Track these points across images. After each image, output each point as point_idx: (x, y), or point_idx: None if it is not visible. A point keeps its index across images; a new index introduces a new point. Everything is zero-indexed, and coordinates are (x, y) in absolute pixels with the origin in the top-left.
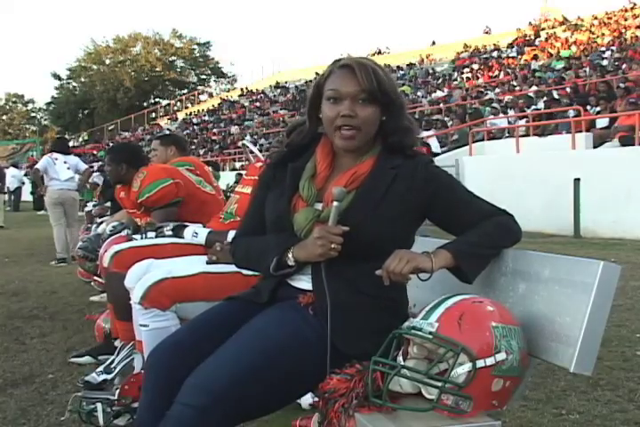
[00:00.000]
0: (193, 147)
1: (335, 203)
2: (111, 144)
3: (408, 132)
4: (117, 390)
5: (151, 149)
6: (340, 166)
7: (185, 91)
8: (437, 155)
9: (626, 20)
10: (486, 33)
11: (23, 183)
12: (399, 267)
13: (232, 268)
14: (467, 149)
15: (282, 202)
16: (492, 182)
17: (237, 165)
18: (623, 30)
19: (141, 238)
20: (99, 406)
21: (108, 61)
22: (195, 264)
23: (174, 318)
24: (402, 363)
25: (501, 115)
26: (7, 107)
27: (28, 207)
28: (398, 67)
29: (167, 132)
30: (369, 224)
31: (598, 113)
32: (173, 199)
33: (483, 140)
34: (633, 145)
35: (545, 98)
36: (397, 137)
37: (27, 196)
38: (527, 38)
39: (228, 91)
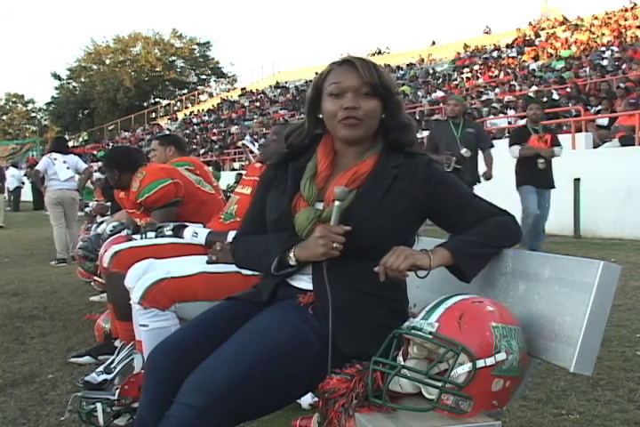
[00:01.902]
0: (193, 147)
1: (337, 202)
2: (111, 144)
3: (407, 129)
4: (117, 390)
5: (151, 150)
6: (340, 166)
7: (185, 91)
8: None
9: (626, 20)
10: (486, 33)
11: (23, 183)
12: (396, 263)
13: (232, 268)
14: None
15: (283, 202)
16: (492, 182)
17: (237, 165)
18: (623, 30)
19: (141, 238)
20: (99, 406)
21: (108, 61)
22: (194, 264)
23: (174, 317)
24: (402, 363)
25: (501, 115)
26: (7, 107)
27: (28, 207)
28: (398, 67)
29: (167, 133)
30: (370, 223)
31: (598, 112)
32: (173, 199)
33: None
34: (633, 145)
35: (544, 98)
36: (397, 134)
37: (27, 196)
38: (527, 38)
39: (228, 91)
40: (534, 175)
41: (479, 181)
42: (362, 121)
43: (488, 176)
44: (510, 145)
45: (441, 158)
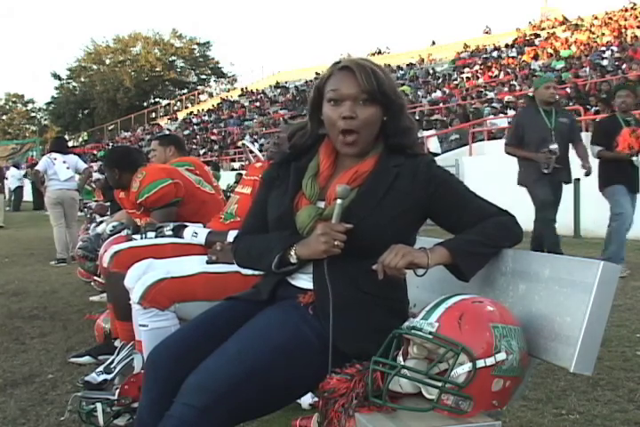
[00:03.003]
0: (193, 147)
1: (339, 200)
2: (111, 144)
3: (408, 132)
4: (117, 390)
5: (151, 150)
6: (342, 165)
7: (185, 91)
8: (437, 155)
9: (626, 20)
10: (486, 33)
11: (24, 183)
12: (394, 261)
13: (231, 268)
14: (467, 149)
15: (285, 200)
16: (492, 182)
17: (236, 165)
18: (623, 30)
19: (141, 238)
20: (98, 406)
21: (108, 61)
22: (194, 264)
23: (174, 317)
24: (402, 363)
25: (501, 115)
26: (7, 107)
27: (28, 207)
28: (398, 67)
29: (167, 133)
30: (370, 222)
31: (598, 112)
32: (173, 199)
33: (483, 140)
34: None
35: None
36: (397, 138)
37: (27, 196)
38: (527, 38)
39: (228, 91)
40: (626, 175)
41: (570, 181)
42: (359, 133)
43: (589, 171)
44: (592, 143)
45: (539, 157)
